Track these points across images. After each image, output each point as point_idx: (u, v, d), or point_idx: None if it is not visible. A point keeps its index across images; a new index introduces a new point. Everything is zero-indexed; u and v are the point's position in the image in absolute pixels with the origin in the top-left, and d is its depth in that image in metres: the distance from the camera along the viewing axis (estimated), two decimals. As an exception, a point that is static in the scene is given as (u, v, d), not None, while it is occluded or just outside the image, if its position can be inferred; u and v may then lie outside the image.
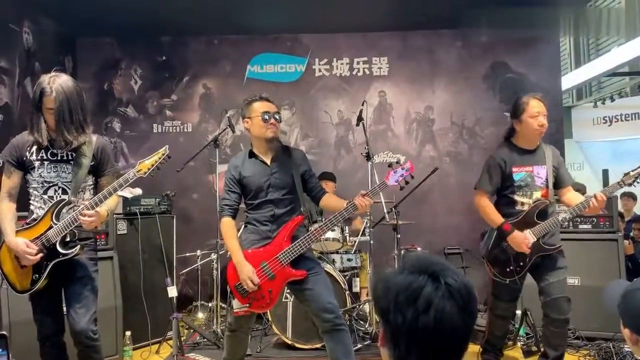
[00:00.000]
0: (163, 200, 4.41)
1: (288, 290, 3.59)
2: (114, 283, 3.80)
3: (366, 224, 4.31)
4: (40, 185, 2.53)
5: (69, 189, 2.53)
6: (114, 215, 3.96)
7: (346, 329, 2.78)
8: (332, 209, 2.86)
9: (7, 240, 2.49)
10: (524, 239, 3.01)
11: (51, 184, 2.53)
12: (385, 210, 4.29)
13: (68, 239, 2.50)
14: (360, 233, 4.48)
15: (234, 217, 2.88)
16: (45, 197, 2.52)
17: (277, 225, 2.82)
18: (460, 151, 5.75)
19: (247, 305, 2.77)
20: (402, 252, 4.37)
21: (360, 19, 5.41)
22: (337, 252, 4.34)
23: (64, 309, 2.58)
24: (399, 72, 5.80)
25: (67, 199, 2.50)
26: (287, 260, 2.75)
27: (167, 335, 4.05)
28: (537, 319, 3.63)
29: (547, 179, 3.10)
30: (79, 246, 2.50)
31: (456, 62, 5.76)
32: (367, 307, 4.37)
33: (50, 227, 2.46)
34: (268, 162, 2.87)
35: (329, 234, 4.14)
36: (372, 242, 4.14)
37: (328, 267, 3.93)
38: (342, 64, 5.81)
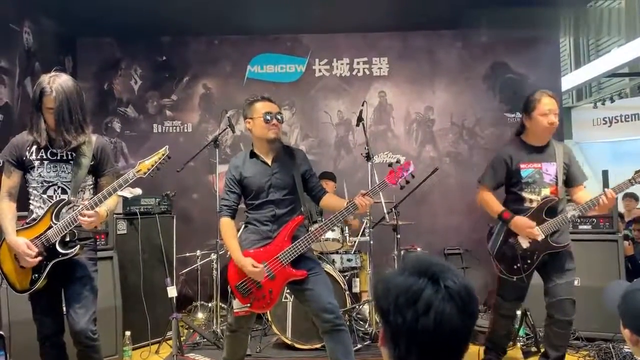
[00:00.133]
0: (163, 200, 4.41)
1: (288, 291, 3.59)
2: (114, 283, 3.80)
3: (366, 224, 4.31)
4: (40, 184, 2.52)
5: (69, 188, 2.53)
6: (114, 215, 3.96)
7: (346, 329, 2.78)
8: (333, 208, 2.86)
9: (8, 239, 2.49)
10: (526, 222, 2.99)
11: (51, 184, 2.53)
12: (385, 211, 4.29)
13: (68, 239, 2.49)
14: (360, 233, 4.48)
15: (233, 218, 2.87)
16: (45, 196, 2.52)
17: (277, 225, 2.82)
18: (460, 152, 5.74)
19: (248, 305, 2.77)
20: (402, 252, 4.38)
21: (360, 19, 5.41)
22: (337, 253, 4.34)
23: (64, 308, 2.57)
24: (399, 72, 5.80)
25: (67, 199, 2.50)
26: (287, 260, 2.74)
27: (167, 336, 4.05)
28: (537, 319, 3.63)
29: (556, 176, 3.07)
30: (78, 246, 2.50)
31: (456, 63, 5.76)
32: (367, 308, 4.36)
33: (50, 227, 2.46)
34: (269, 162, 2.87)
35: (329, 234, 4.14)
36: (372, 242, 4.14)
37: (328, 268, 3.93)
38: (342, 64, 5.81)
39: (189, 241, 5.00)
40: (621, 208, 6.20)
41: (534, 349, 3.75)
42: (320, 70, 5.81)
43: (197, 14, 5.13)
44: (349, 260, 4.31)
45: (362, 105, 4.12)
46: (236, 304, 2.79)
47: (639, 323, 1.39)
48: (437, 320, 1.00)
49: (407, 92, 5.81)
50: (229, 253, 2.84)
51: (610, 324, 3.58)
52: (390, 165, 2.75)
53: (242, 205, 2.94)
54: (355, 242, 4.39)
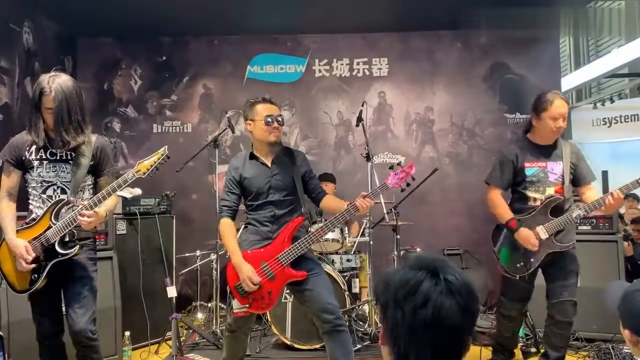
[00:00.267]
0: (163, 200, 4.40)
1: (287, 291, 3.59)
2: (113, 283, 3.79)
3: (365, 224, 4.31)
4: (39, 184, 2.52)
5: (68, 188, 2.53)
6: (114, 216, 3.96)
7: (346, 329, 2.77)
8: (333, 210, 2.86)
9: (8, 238, 2.49)
10: (530, 236, 2.98)
11: (50, 184, 2.53)
12: (384, 211, 4.28)
13: (67, 239, 2.49)
14: (360, 234, 4.48)
15: (233, 218, 2.87)
16: (44, 196, 2.52)
17: (277, 226, 2.82)
18: (460, 152, 5.74)
19: (247, 305, 2.77)
20: (402, 253, 4.37)
21: (360, 20, 5.41)
22: (336, 253, 4.34)
23: (63, 309, 2.57)
24: (399, 72, 5.80)
25: (66, 199, 2.50)
26: (287, 261, 2.74)
27: (167, 336, 4.05)
28: (537, 320, 3.63)
29: (562, 176, 3.06)
30: (78, 246, 2.50)
31: (456, 63, 5.76)
32: (366, 308, 4.36)
33: (49, 227, 2.46)
34: (269, 163, 2.87)
35: (329, 235, 4.13)
36: (371, 242, 4.14)
37: (327, 268, 3.92)
38: (342, 64, 5.81)
39: (188, 241, 4.99)
40: (621, 209, 6.20)
41: (533, 349, 3.74)
42: (320, 71, 5.81)
43: (197, 14, 5.13)
44: (348, 260, 4.31)
45: (362, 105, 4.12)
46: (235, 304, 2.79)
47: (639, 323, 1.39)
48: (436, 314, 0.99)
49: (407, 92, 5.81)
50: (228, 253, 2.84)
51: (609, 325, 3.58)
52: (391, 167, 2.73)
53: (242, 207, 2.94)
54: (354, 242, 4.39)
